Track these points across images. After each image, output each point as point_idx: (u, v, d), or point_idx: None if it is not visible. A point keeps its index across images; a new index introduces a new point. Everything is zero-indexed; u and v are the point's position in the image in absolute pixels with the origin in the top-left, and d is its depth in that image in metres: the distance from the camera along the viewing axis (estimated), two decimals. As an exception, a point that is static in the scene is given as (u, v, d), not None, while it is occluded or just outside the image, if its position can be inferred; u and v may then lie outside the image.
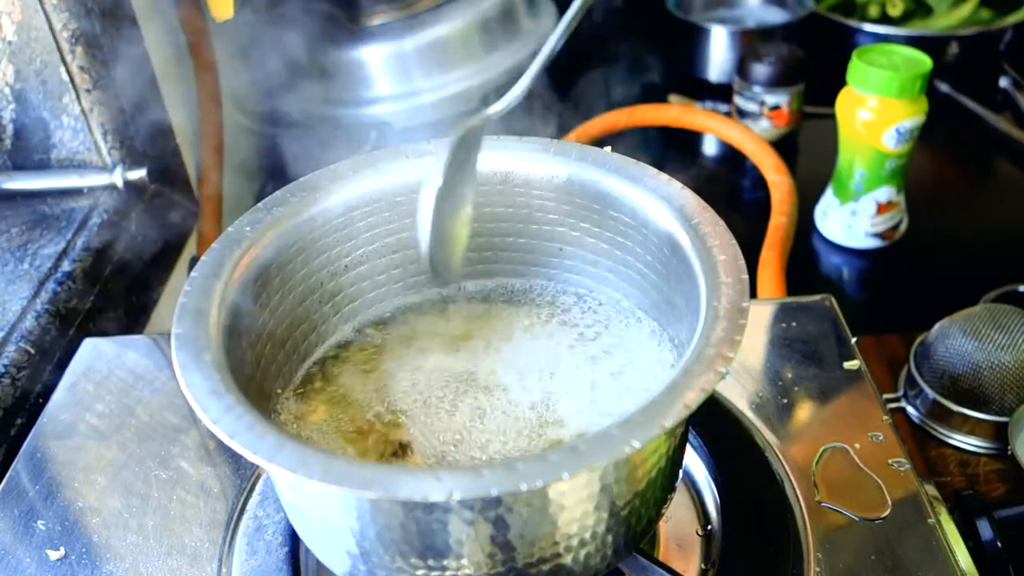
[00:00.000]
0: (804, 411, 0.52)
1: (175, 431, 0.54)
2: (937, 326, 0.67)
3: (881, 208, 0.85)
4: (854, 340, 0.56)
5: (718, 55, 1.12)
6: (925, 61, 0.78)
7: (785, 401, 0.53)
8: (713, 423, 0.50)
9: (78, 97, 0.74)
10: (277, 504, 0.48)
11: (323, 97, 0.99)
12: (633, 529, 0.39)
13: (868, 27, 1.10)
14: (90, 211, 0.74)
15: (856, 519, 0.46)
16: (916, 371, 0.67)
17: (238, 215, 0.43)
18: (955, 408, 0.64)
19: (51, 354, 0.63)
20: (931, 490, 0.48)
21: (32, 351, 0.61)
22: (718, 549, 0.46)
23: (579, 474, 0.31)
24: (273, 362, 0.44)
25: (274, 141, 1.09)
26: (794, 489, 0.47)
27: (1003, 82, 1.10)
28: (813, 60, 1.01)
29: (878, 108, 0.79)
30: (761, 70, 0.99)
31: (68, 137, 0.76)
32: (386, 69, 0.96)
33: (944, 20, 1.14)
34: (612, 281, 0.47)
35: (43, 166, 0.77)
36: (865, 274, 0.88)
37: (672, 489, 0.41)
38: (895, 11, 1.16)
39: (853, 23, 1.11)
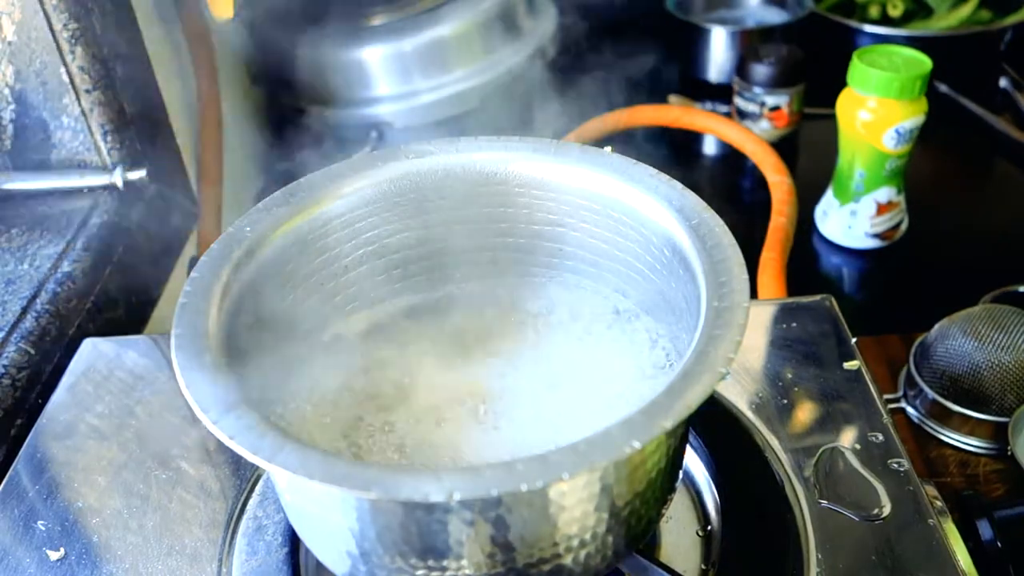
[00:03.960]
0: (804, 411, 0.52)
1: (175, 431, 0.54)
2: (937, 326, 0.67)
3: (881, 208, 0.85)
4: (854, 340, 0.56)
5: (718, 55, 1.12)
6: (925, 62, 0.78)
7: (785, 401, 0.53)
8: (713, 423, 0.50)
9: (78, 97, 0.74)
10: (277, 504, 0.48)
11: (323, 97, 1.00)
12: (633, 529, 0.39)
13: (868, 28, 1.10)
14: (90, 211, 0.74)
15: (856, 519, 0.46)
16: (916, 371, 0.67)
17: (238, 215, 0.43)
18: (955, 408, 0.64)
19: (51, 354, 0.63)
20: (931, 490, 0.48)
21: (32, 351, 0.61)
22: (718, 549, 0.46)
23: (579, 474, 0.31)
24: (273, 362, 0.44)
25: (274, 140, 1.09)
26: (794, 489, 0.47)
27: (1003, 82, 1.10)
28: (813, 60, 1.01)
29: (878, 109, 0.79)
30: (761, 71, 0.99)
31: (68, 137, 0.76)
32: (386, 69, 0.96)
33: (944, 20, 1.14)
34: (612, 281, 0.47)
35: (43, 166, 0.77)
36: (865, 274, 0.88)
37: (672, 489, 0.41)
38: (895, 12, 1.17)
39: (853, 23, 1.11)
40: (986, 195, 1.00)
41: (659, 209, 0.42)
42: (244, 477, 0.51)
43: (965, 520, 0.55)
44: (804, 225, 0.89)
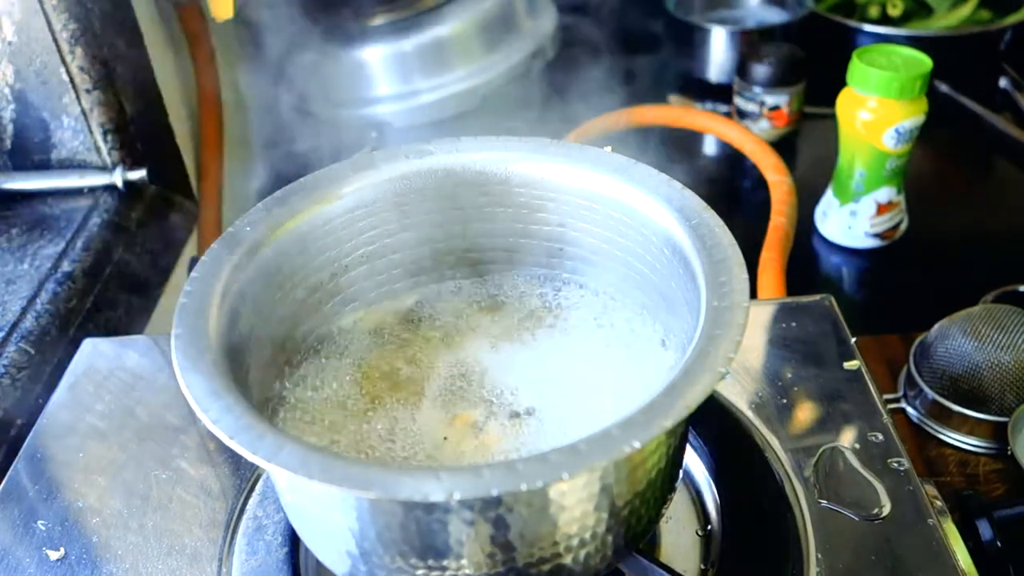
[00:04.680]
0: (804, 411, 0.52)
1: (175, 431, 0.54)
2: (937, 326, 0.67)
3: (881, 208, 0.85)
4: (854, 340, 0.56)
5: (718, 55, 1.12)
6: (925, 61, 0.78)
7: (785, 401, 0.53)
8: (713, 423, 0.50)
9: (78, 97, 0.74)
10: (277, 504, 0.48)
11: (323, 97, 1.00)
12: (633, 529, 0.39)
13: (868, 27, 1.10)
14: (90, 211, 0.74)
15: (856, 519, 0.46)
16: (916, 371, 0.67)
17: (238, 215, 0.43)
18: (955, 408, 0.64)
19: (51, 354, 0.63)
20: (931, 490, 0.48)
21: (32, 351, 0.61)
22: (718, 549, 0.46)
23: (579, 474, 0.31)
24: (273, 362, 0.44)
25: (274, 141, 1.09)
26: (794, 489, 0.47)
27: (1003, 82, 1.10)
28: (813, 60, 1.01)
29: (878, 108, 0.79)
30: (761, 70, 0.99)
31: (68, 137, 0.76)
32: (386, 69, 0.96)
33: (944, 20, 1.14)
34: (612, 281, 0.47)
35: (43, 166, 0.77)
36: (865, 274, 0.88)
37: (672, 489, 0.41)
38: (895, 11, 1.17)
39: (853, 23, 1.11)
40: (986, 195, 1.00)
41: (659, 209, 0.42)
42: (244, 477, 0.51)
43: (965, 520, 0.55)
44: (804, 225, 0.89)
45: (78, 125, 0.75)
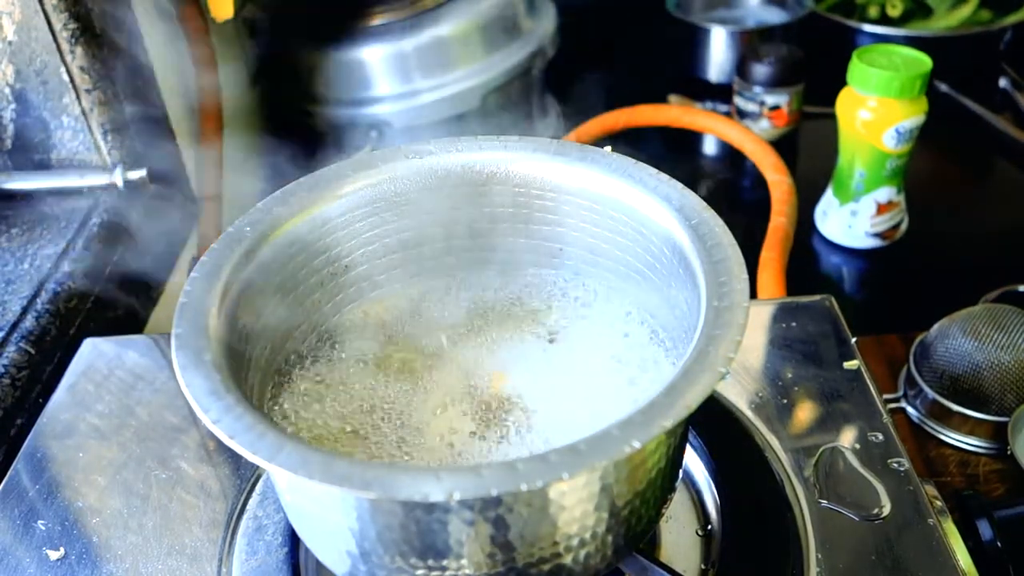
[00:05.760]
0: (804, 411, 0.52)
1: (175, 431, 0.54)
2: (937, 326, 0.67)
3: (881, 208, 0.85)
4: (854, 340, 0.56)
5: (718, 55, 1.12)
6: (925, 61, 0.78)
7: (785, 401, 0.53)
8: (713, 423, 0.50)
9: (78, 97, 0.74)
10: (277, 504, 0.48)
11: (323, 97, 1.00)
12: (633, 529, 0.39)
13: (868, 27, 1.10)
14: (90, 211, 0.74)
15: (856, 519, 0.46)
16: (916, 371, 0.67)
17: (238, 215, 0.43)
18: (955, 408, 0.64)
19: (51, 354, 0.63)
20: (931, 490, 0.48)
21: (32, 351, 0.61)
22: (718, 549, 0.46)
23: (579, 474, 0.31)
24: (273, 362, 0.44)
25: (274, 140, 1.09)
26: (794, 489, 0.47)
27: (1003, 82, 1.10)
28: (813, 60, 1.01)
29: (878, 108, 0.79)
30: (761, 70, 0.99)
31: (68, 137, 0.76)
32: (386, 69, 0.96)
33: (944, 20, 1.14)
34: (612, 281, 0.47)
35: (43, 166, 0.77)
36: (865, 274, 0.88)
37: (672, 489, 0.41)
38: (895, 11, 1.17)
39: (853, 23, 1.11)
40: (986, 195, 1.00)
41: (659, 209, 0.42)
42: (244, 477, 0.51)
43: (965, 520, 0.55)
44: (804, 225, 0.89)
45: (78, 125, 0.75)
